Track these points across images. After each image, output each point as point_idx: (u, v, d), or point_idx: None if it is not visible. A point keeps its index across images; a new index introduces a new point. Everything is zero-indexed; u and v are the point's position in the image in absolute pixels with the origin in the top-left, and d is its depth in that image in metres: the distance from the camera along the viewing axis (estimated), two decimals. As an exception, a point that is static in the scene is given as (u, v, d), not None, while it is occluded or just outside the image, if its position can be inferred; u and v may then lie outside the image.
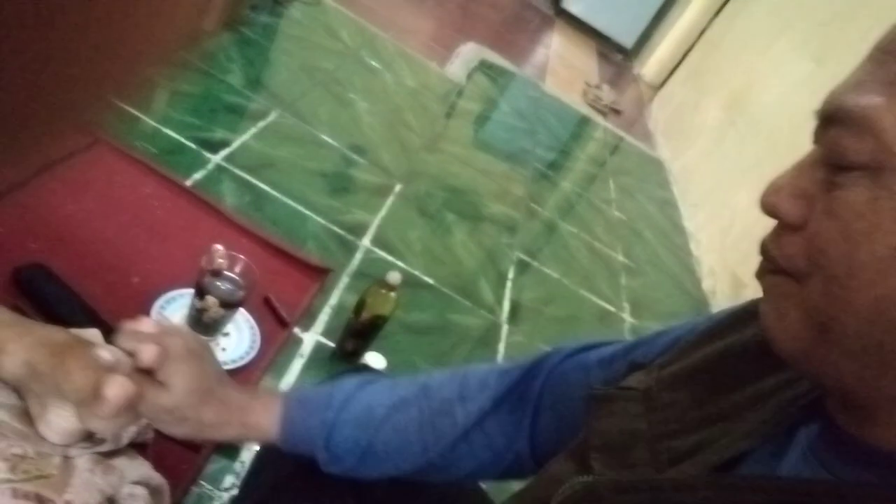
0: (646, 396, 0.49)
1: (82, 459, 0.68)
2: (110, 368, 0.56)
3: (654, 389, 0.49)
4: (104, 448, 0.70)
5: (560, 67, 4.33)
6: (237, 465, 0.98)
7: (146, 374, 0.58)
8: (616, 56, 5.62)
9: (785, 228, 0.39)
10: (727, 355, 0.47)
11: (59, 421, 0.64)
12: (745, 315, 0.50)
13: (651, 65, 5.21)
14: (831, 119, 0.36)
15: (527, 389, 0.64)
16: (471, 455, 0.64)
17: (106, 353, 0.57)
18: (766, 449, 0.41)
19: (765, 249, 0.40)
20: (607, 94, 4.08)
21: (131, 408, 0.56)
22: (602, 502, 0.44)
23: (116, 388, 0.54)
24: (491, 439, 0.63)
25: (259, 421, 0.63)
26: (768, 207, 0.39)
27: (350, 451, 0.63)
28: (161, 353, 0.57)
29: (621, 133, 3.82)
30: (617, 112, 4.05)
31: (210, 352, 0.64)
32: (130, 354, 0.57)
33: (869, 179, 0.34)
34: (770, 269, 0.40)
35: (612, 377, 0.55)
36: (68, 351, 0.61)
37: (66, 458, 0.67)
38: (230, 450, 0.99)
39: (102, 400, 0.54)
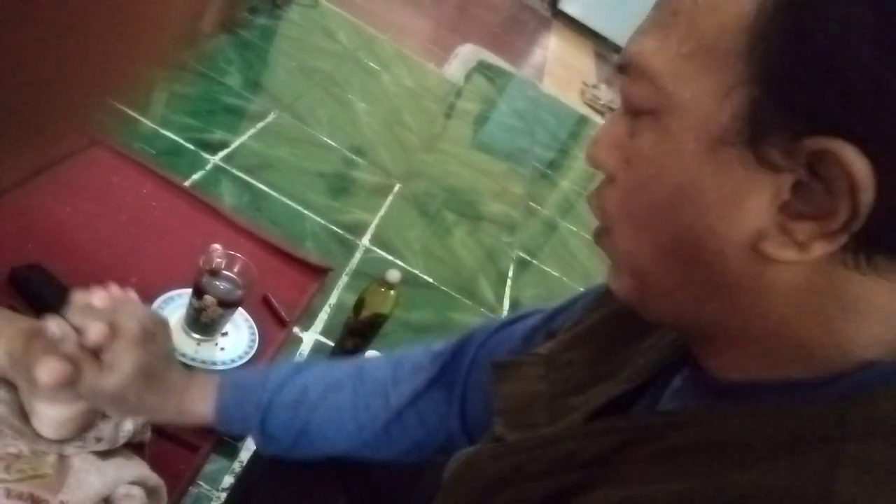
0: (548, 359, 0.50)
1: (78, 459, 0.67)
2: (57, 343, 0.55)
3: (553, 352, 0.50)
4: (100, 447, 0.69)
5: (557, 68, 4.33)
6: (236, 465, 0.98)
7: (92, 351, 0.56)
8: (613, 56, 5.61)
9: (606, 180, 0.39)
10: (619, 315, 0.48)
11: (47, 410, 0.63)
12: None
13: (649, 64, 5.20)
14: (621, 67, 0.37)
15: (456, 367, 0.64)
16: (404, 435, 0.64)
17: (54, 325, 0.55)
18: (644, 397, 0.43)
19: (589, 202, 0.41)
20: (605, 94, 4.07)
21: (69, 386, 0.55)
22: (481, 470, 0.45)
23: (45, 371, 0.53)
24: (424, 419, 0.64)
25: (195, 406, 0.62)
26: (588, 159, 0.40)
27: (285, 432, 0.63)
28: (109, 332, 0.55)
29: (620, 132, 3.81)
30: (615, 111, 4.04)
31: (164, 329, 0.62)
32: (78, 330, 0.55)
33: (654, 124, 0.35)
34: (597, 234, 0.41)
35: (532, 348, 0.55)
36: (37, 333, 0.60)
37: (62, 457, 0.66)
38: (229, 450, 0.99)
39: (35, 381, 0.53)
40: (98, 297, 0.57)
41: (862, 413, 0.32)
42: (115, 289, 0.59)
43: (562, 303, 0.60)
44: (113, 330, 0.56)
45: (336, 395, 0.64)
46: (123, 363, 0.56)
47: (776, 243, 0.32)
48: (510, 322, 0.63)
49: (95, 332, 0.55)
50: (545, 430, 0.45)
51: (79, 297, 0.57)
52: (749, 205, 0.32)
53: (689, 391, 0.41)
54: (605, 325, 0.49)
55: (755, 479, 0.32)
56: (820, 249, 0.31)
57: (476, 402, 0.62)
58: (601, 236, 0.41)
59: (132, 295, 0.62)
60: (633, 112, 0.37)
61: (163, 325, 0.62)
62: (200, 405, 0.62)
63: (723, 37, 0.32)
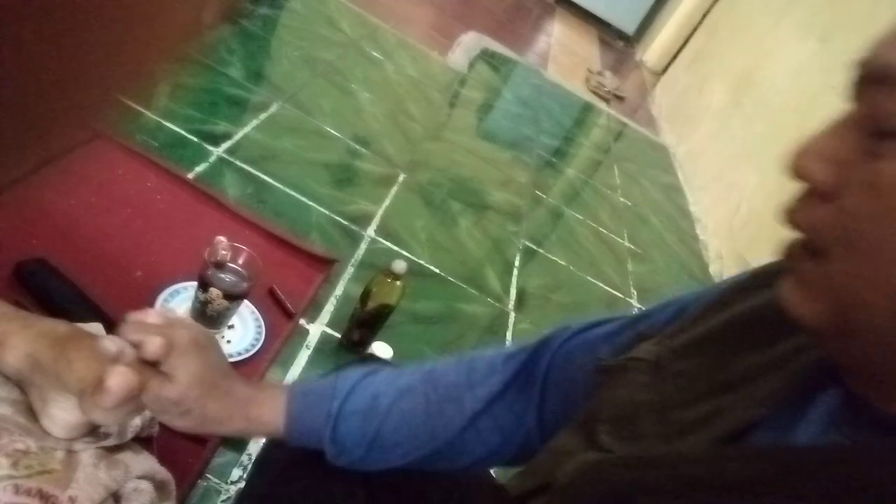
0: (654, 367, 0.47)
1: (86, 454, 0.67)
2: (113, 359, 0.55)
3: (662, 359, 0.47)
4: (109, 442, 0.69)
5: (562, 55, 4.29)
6: (244, 458, 0.97)
7: (151, 365, 0.57)
8: (618, 43, 5.57)
9: (814, 195, 0.35)
10: (736, 323, 0.45)
11: (62, 414, 0.62)
12: (752, 283, 0.48)
13: (653, 50, 5.16)
14: (874, 77, 0.32)
15: (533, 370, 0.62)
16: (479, 440, 0.62)
17: (109, 343, 0.56)
18: (780, 418, 0.40)
19: (790, 217, 0.37)
20: (610, 81, 4.04)
21: (133, 399, 0.55)
22: (607, 479, 0.43)
23: (118, 379, 0.53)
24: (500, 423, 0.62)
25: (263, 415, 0.61)
26: (799, 171, 0.35)
27: (357, 441, 0.61)
28: (167, 344, 0.56)
29: (625, 119, 3.79)
30: (620, 98, 4.02)
31: (215, 344, 0.63)
32: (135, 345, 0.56)
33: None
34: (795, 249, 0.37)
35: (619, 349, 0.54)
36: (69, 342, 0.60)
37: (70, 453, 0.66)
38: (237, 443, 0.98)
39: (104, 390, 0.53)
40: (151, 315, 0.59)
41: None
42: (164, 311, 0.61)
43: (651, 307, 0.58)
44: (168, 343, 0.57)
45: (408, 401, 0.62)
46: (181, 372, 0.57)
47: None
48: (589, 326, 0.62)
49: (155, 344, 0.56)
50: (670, 447, 0.42)
51: (133, 316, 0.58)
52: None
53: (846, 422, 0.37)
54: (720, 332, 0.46)
55: None
56: None
57: (555, 405, 0.61)
58: (804, 257, 0.36)
59: (182, 314, 0.62)
60: (882, 131, 0.32)
61: (211, 337, 0.63)
62: (270, 415, 0.61)
63: None
